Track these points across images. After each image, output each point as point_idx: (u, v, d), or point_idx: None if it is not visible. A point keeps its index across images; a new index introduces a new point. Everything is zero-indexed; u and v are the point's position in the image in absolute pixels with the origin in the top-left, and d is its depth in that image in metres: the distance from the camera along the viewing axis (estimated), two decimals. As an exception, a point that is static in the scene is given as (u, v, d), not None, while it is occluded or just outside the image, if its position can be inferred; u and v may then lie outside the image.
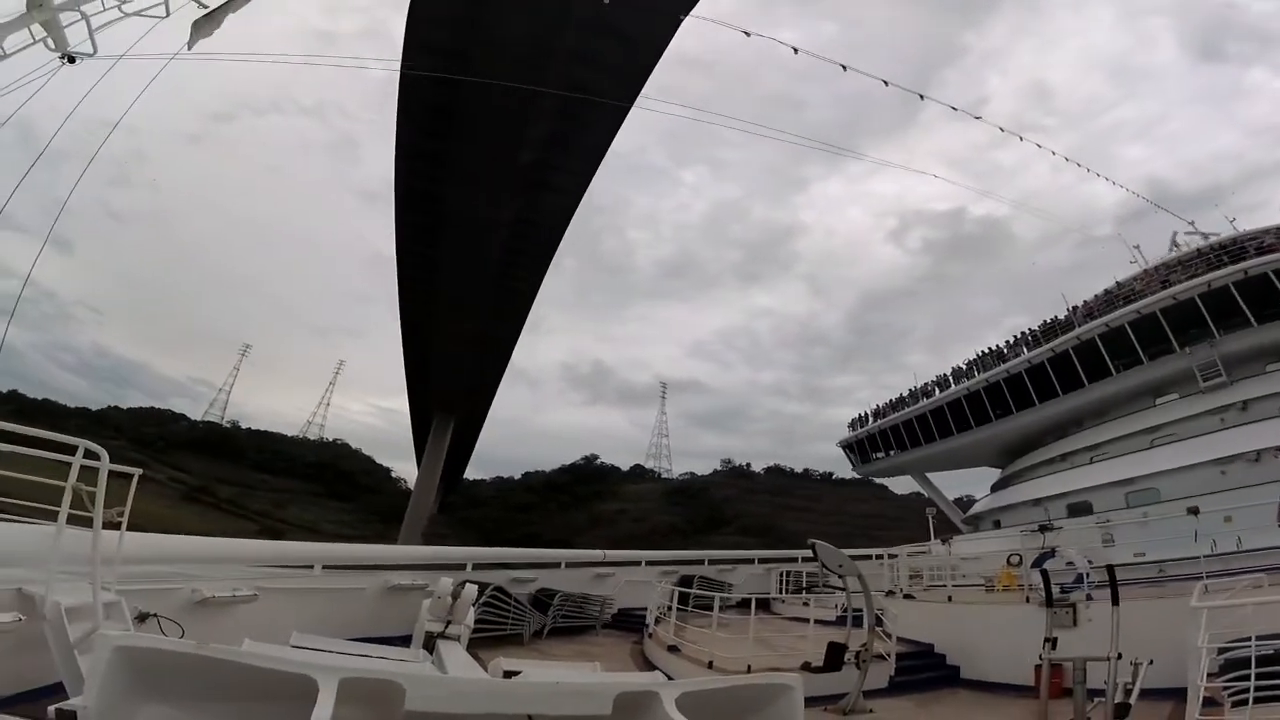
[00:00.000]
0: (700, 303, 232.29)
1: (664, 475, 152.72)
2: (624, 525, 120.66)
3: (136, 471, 7.45)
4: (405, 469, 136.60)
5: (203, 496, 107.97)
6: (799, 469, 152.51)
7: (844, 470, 47.60)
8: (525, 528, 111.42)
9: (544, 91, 33.52)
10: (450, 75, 31.67)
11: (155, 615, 7.82)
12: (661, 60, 34.58)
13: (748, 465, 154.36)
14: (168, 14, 11.75)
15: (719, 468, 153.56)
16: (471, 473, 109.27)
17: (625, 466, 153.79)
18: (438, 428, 61.37)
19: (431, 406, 61.81)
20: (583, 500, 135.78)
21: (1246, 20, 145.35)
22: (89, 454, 6.02)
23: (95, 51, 11.01)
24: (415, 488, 61.97)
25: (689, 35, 34.11)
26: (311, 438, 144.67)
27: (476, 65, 31.86)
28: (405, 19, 32.68)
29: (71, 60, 10.93)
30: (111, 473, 6.17)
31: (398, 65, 34.36)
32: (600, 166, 43.45)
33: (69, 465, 5.94)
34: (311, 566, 13.39)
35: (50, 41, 10.62)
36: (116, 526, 6.75)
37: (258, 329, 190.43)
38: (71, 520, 5.99)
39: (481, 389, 64.22)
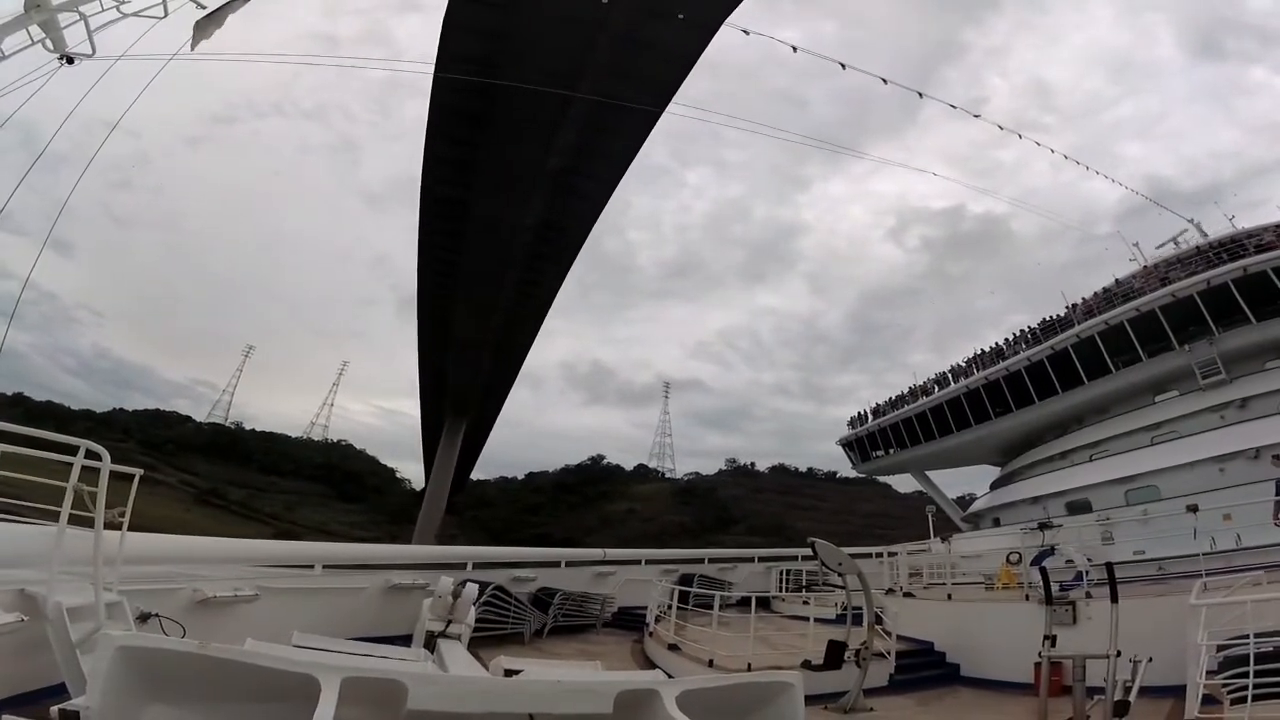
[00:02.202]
0: (703, 303, 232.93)
1: (668, 475, 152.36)
2: (634, 525, 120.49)
3: (137, 472, 7.45)
4: (409, 469, 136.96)
5: (214, 499, 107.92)
6: (803, 468, 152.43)
7: (848, 469, 47.61)
8: (535, 528, 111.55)
9: (574, 98, 33.63)
10: (485, 79, 31.70)
11: (157, 615, 7.82)
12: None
13: (752, 465, 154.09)
14: (166, 14, 11.74)
15: (724, 467, 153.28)
16: (474, 474, 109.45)
17: (629, 466, 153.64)
18: (450, 429, 61.41)
19: (444, 408, 61.83)
20: (591, 500, 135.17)
21: (1246, 18, 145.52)
22: (90, 454, 6.03)
23: (94, 52, 11.01)
24: (428, 489, 61.90)
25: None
26: (316, 439, 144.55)
27: (509, 74, 31.87)
28: (440, 28, 32.50)
29: (70, 61, 10.92)
30: (113, 473, 6.18)
31: (430, 71, 34.20)
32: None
33: (70, 466, 5.94)
34: (312, 566, 13.39)
35: (49, 42, 10.61)
36: (118, 527, 6.75)
37: (257, 330, 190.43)
38: (73, 521, 5.99)
39: (494, 391, 64.35)
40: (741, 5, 31.01)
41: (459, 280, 48.51)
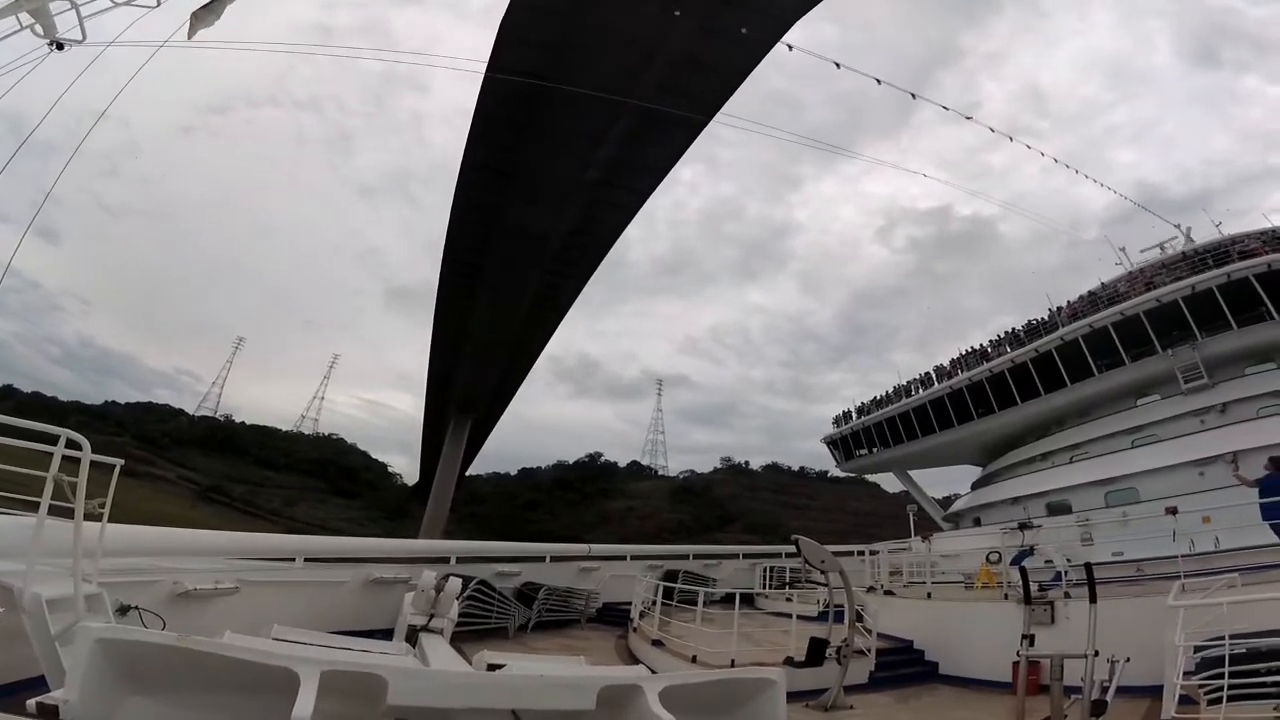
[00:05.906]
0: (694, 300, 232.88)
1: (662, 473, 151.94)
2: (632, 523, 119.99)
3: (118, 462, 7.35)
4: (398, 463, 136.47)
5: (218, 496, 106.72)
6: (795, 466, 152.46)
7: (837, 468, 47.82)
8: (534, 524, 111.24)
9: (622, 113, 33.59)
10: (539, 82, 31.46)
11: (137, 608, 7.76)
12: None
13: (746, 463, 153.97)
14: (158, 3, 11.59)
15: (719, 465, 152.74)
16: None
17: (620, 462, 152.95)
18: (456, 427, 61.29)
19: (450, 407, 61.79)
20: (590, 498, 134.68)
21: (1243, 26, 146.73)
22: (70, 444, 5.96)
23: (84, 38, 10.86)
24: (435, 485, 61.52)
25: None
26: (306, 432, 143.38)
27: (561, 87, 31.67)
28: (494, 35, 32.24)
29: (60, 47, 10.77)
30: (95, 464, 6.11)
31: (481, 71, 33.89)
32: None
33: (50, 456, 5.86)
34: (293, 559, 13.32)
35: (39, 28, 10.46)
36: (98, 518, 6.68)
37: (241, 319, 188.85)
38: (53, 511, 5.91)
39: (503, 392, 64.29)
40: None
41: (481, 282, 48.29)
